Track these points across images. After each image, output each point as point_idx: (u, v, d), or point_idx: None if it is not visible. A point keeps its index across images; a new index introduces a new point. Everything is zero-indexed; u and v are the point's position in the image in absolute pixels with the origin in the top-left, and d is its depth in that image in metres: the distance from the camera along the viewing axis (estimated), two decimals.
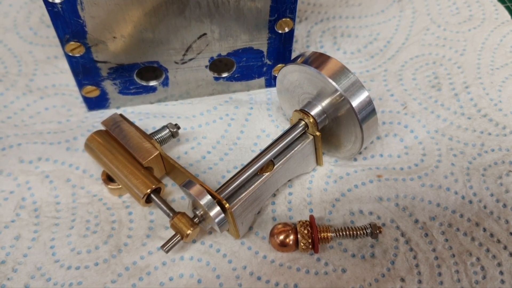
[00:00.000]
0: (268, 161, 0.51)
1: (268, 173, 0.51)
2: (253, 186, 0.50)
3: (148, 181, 0.50)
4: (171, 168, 0.53)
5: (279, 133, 0.59)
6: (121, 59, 0.55)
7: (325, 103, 0.52)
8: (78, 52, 0.53)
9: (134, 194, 0.50)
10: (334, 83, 0.49)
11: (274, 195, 0.55)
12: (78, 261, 0.50)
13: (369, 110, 0.50)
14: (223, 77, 0.60)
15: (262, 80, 0.62)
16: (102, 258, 0.50)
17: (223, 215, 0.45)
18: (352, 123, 0.50)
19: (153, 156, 0.51)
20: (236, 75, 0.60)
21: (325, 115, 0.52)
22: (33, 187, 0.55)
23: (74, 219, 0.53)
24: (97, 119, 0.60)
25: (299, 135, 0.53)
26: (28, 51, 0.66)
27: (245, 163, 0.57)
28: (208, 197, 0.45)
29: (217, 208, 0.45)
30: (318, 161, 0.56)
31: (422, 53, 0.67)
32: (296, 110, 0.53)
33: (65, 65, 0.65)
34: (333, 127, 0.53)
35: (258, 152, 0.58)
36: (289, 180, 0.55)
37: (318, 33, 0.69)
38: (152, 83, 0.59)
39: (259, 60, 0.59)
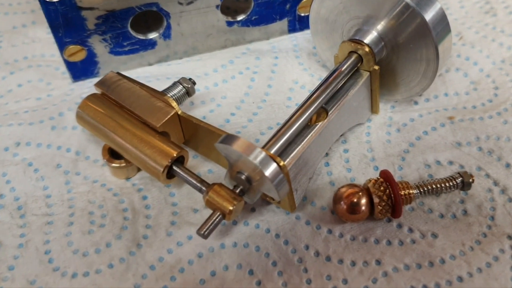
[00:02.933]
0: (319, 108, 0.39)
1: (322, 122, 0.39)
2: (306, 139, 0.38)
3: (168, 148, 0.38)
4: (192, 133, 0.41)
5: (316, 82, 0.48)
6: (111, 2, 0.42)
7: (381, 26, 0.40)
8: None
9: (150, 168, 0.38)
10: None
11: (327, 154, 0.43)
12: (85, 266, 0.37)
13: (444, 25, 0.39)
14: (238, 21, 0.48)
15: (284, 23, 0.50)
16: (117, 257, 0.38)
17: (282, 174, 0.34)
18: (424, 46, 0.39)
19: (169, 116, 0.39)
20: (253, 18, 0.48)
21: (382, 43, 0.41)
22: (13, 179, 0.42)
23: (72, 213, 0.40)
24: (85, 89, 0.47)
25: (350, 73, 0.41)
26: None
27: (281, 122, 0.45)
28: (259, 150, 0.33)
29: (274, 165, 0.33)
30: (374, 108, 0.44)
31: None
32: (344, 42, 0.41)
33: (37, 33, 0.52)
34: (393, 59, 0.42)
35: (294, 107, 0.46)
36: (341, 135, 0.43)
37: None
38: (151, 35, 0.47)
39: None
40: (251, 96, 0.47)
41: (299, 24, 0.51)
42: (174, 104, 0.39)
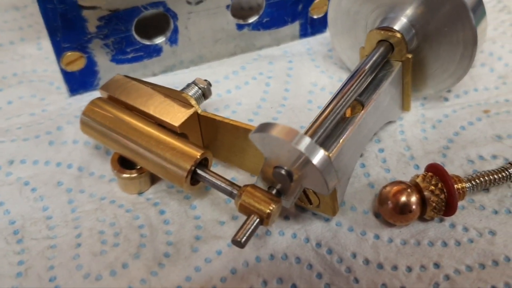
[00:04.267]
0: (353, 100, 0.36)
1: (360, 113, 0.35)
2: (345, 132, 0.34)
3: (191, 150, 0.33)
4: (211, 135, 0.36)
5: (336, 84, 0.44)
6: (115, 1, 0.39)
7: (411, 11, 0.38)
8: None
9: (170, 174, 0.33)
10: None
11: (361, 155, 0.39)
12: None
13: (480, 8, 0.37)
14: (249, 24, 0.45)
15: (295, 27, 0.47)
16: (136, 279, 0.32)
17: (331, 162, 0.29)
18: (461, 29, 0.36)
19: (190, 114, 0.34)
20: (264, 20, 0.45)
21: (413, 31, 0.38)
22: (7, 201, 0.36)
23: (79, 234, 0.34)
24: (84, 103, 0.42)
25: (381, 63, 0.38)
26: None
27: (305, 125, 0.41)
28: (304, 136, 0.29)
29: (321, 152, 0.29)
30: (405, 105, 0.41)
31: None
32: (372, 31, 0.38)
33: (26, 49, 0.48)
34: (424, 49, 0.39)
35: (316, 110, 0.42)
36: (374, 134, 0.40)
37: None
38: (157, 40, 0.43)
39: None
40: (268, 101, 0.43)
41: (311, 28, 0.48)
42: (193, 102, 0.35)
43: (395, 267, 0.33)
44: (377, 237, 0.34)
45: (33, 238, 0.34)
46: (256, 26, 0.45)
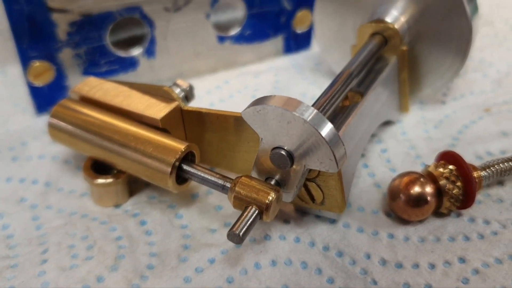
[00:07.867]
0: (351, 88, 0.33)
1: (362, 99, 0.32)
2: (350, 117, 0.31)
3: (174, 143, 0.29)
4: (197, 134, 0.32)
5: None
6: (88, 4, 0.36)
7: (402, 4, 0.36)
8: None
9: (152, 173, 0.29)
10: None
11: (363, 155, 0.35)
12: None
13: (473, 2, 0.35)
14: (230, 37, 0.43)
15: (279, 42, 0.45)
16: None
17: (338, 135, 0.25)
18: (457, 23, 0.35)
19: (172, 107, 0.31)
20: (247, 33, 0.43)
21: (406, 25, 0.36)
22: None
23: (45, 250, 0.29)
24: None
25: (375, 55, 0.35)
26: None
27: None
28: (308, 105, 0.25)
29: (329, 124, 0.25)
30: (403, 105, 0.38)
31: None
32: (363, 25, 0.36)
33: None
34: (417, 44, 0.37)
35: None
36: (372, 136, 0.36)
37: None
38: (133, 51, 0.40)
39: (275, 4, 0.43)
40: None
41: (295, 43, 0.46)
42: (175, 94, 0.31)
43: (416, 265, 0.28)
44: (391, 236, 0.30)
45: None
46: (238, 40, 0.43)
